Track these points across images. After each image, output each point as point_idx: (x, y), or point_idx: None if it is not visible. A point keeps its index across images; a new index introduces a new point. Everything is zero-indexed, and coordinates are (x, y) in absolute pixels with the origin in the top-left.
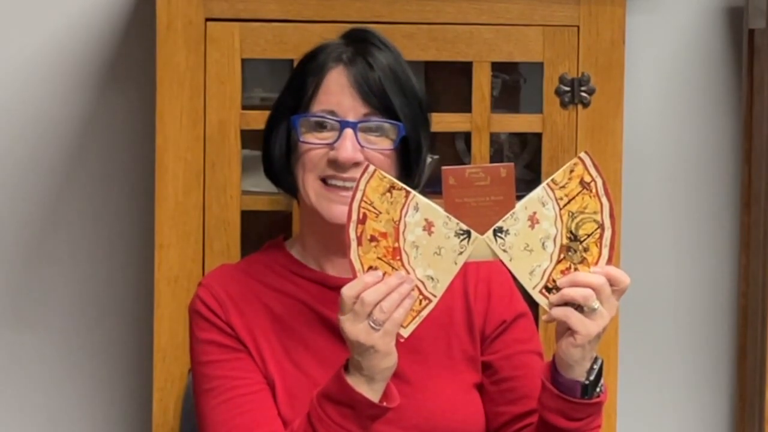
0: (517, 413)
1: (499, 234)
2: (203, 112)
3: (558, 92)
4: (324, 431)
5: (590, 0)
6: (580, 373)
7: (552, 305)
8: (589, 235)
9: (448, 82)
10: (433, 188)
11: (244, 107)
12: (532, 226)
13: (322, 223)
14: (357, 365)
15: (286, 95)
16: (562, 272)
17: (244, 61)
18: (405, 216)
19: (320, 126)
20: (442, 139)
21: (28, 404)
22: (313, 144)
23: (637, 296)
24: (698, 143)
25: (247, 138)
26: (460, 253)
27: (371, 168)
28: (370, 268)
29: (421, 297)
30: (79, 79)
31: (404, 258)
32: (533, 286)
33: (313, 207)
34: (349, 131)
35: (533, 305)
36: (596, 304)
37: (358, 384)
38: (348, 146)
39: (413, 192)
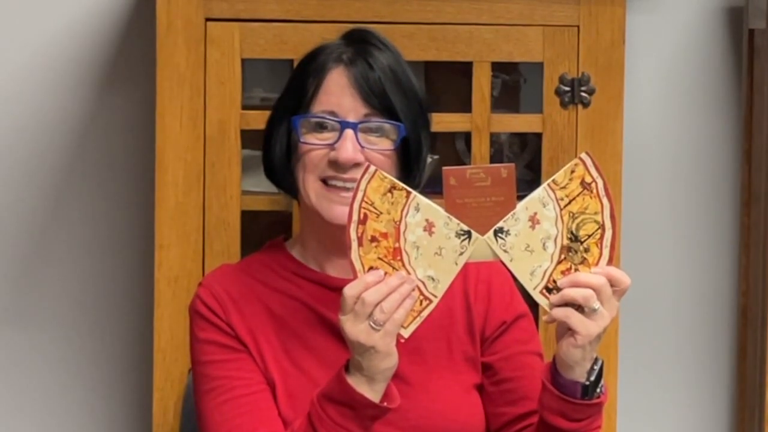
0: (517, 414)
1: (499, 234)
2: (203, 112)
3: (558, 92)
4: (324, 431)
5: (590, 0)
6: (580, 374)
7: (552, 306)
8: (589, 236)
9: (448, 82)
10: (433, 188)
11: (244, 107)
12: (532, 227)
13: (323, 224)
14: (357, 365)
15: (287, 96)
16: (563, 273)
17: (244, 61)
18: (406, 216)
19: (321, 126)
20: (442, 139)
21: (28, 404)
22: (314, 145)
23: (637, 296)
24: (698, 143)
25: (247, 138)
26: (461, 253)
27: (372, 168)
28: (371, 268)
29: (421, 297)
30: (79, 79)
31: (405, 258)
32: (534, 286)
33: (313, 207)
34: (349, 132)
35: (533, 306)
36: (597, 305)
37: (358, 384)
38: (348, 147)
39: (414, 192)
